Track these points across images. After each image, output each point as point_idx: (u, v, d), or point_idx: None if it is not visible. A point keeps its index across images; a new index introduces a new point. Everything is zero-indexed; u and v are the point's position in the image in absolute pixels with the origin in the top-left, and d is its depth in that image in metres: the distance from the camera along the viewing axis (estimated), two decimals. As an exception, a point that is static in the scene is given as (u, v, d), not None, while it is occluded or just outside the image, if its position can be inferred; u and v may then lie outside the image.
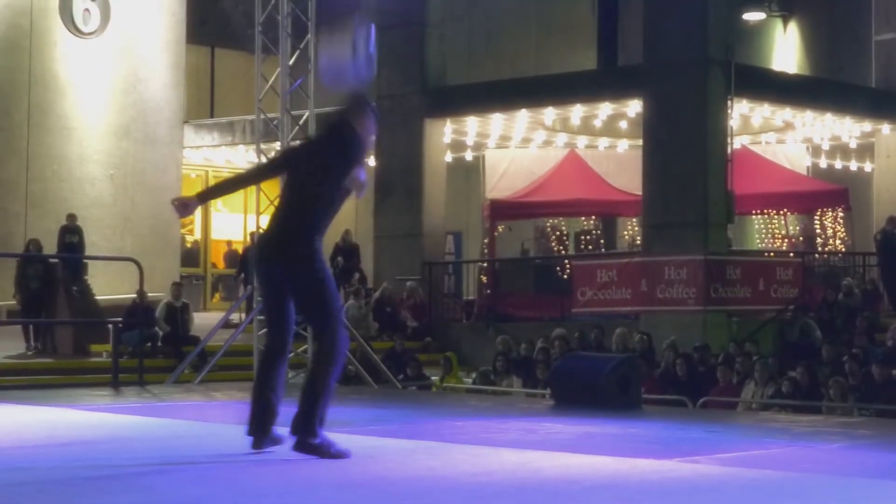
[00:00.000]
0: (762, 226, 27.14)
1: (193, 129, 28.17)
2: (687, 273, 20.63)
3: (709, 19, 21.13)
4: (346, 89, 7.61)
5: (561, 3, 31.59)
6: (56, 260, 21.02)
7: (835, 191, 25.66)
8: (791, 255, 24.80)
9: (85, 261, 21.79)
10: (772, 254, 25.34)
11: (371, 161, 21.54)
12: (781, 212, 26.15)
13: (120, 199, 25.99)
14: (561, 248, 26.80)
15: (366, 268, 24.76)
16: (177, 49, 27.20)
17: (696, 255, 20.58)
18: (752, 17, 31.51)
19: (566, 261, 24.76)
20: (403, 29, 24.70)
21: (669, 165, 21.12)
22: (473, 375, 19.30)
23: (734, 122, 22.27)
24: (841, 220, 25.71)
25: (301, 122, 17.46)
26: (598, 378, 11.50)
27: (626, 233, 27.13)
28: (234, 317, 20.27)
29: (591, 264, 22.80)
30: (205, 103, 30.47)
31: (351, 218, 27.92)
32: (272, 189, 18.20)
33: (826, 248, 25.69)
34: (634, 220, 24.90)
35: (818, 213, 25.94)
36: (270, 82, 17.61)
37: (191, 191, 28.80)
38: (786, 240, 26.57)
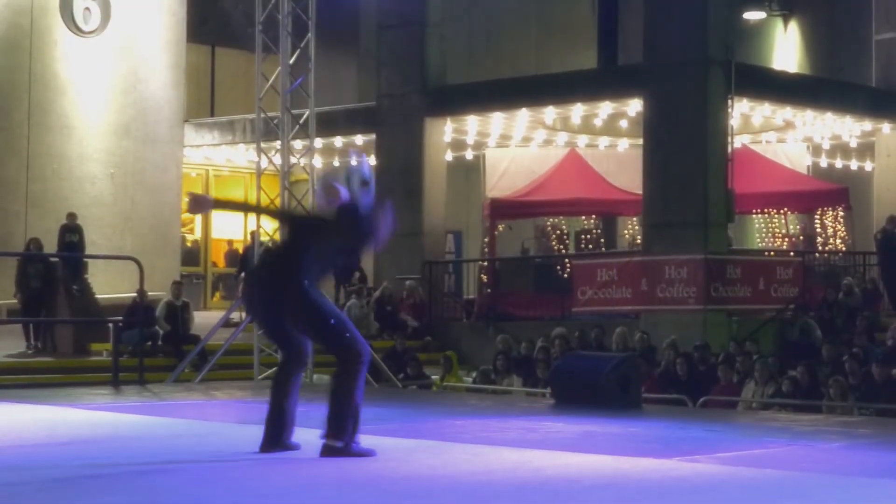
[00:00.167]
0: (762, 225, 27.13)
1: (194, 128, 28.17)
2: (687, 272, 20.63)
3: (709, 18, 21.12)
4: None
5: (561, 2, 31.58)
6: (56, 259, 21.01)
7: (835, 190, 25.65)
8: (791, 254, 24.78)
9: (85, 260, 21.78)
10: (772, 253, 25.32)
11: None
12: (782, 211, 26.13)
13: (120, 199, 25.98)
14: (561, 247, 26.79)
15: (366, 267, 24.76)
16: (177, 48, 27.19)
17: (696, 254, 20.58)
18: (753, 16, 31.50)
19: (566, 260, 24.75)
20: (404, 28, 24.71)
21: (670, 165, 21.12)
22: (474, 374, 19.30)
23: (734, 121, 22.26)
24: (841, 220, 25.69)
25: (301, 120, 17.46)
26: (599, 377, 11.51)
27: (626, 232, 27.12)
28: (235, 316, 20.27)
29: (591, 263, 22.80)
30: (205, 102, 30.47)
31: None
32: (273, 188, 18.23)
33: (826, 248, 25.68)
34: (635, 219, 24.89)
35: (818, 213, 25.93)
36: (271, 81, 17.61)
37: (191, 189, 28.86)
38: (786, 239, 26.56)
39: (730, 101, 21.33)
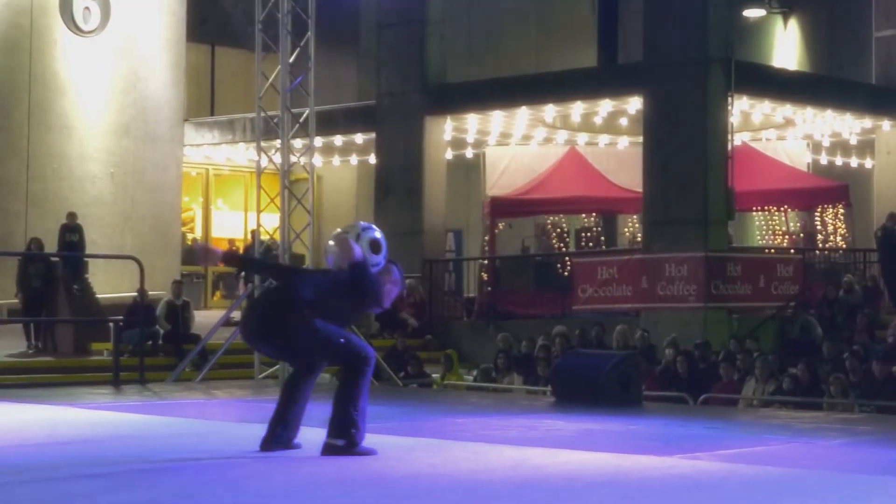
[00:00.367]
0: (763, 222, 27.13)
1: (194, 128, 28.18)
2: (687, 270, 20.62)
3: (709, 16, 21.11)
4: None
5: (561, 1, 31.57)
6: (57, 259, 21.01)
7: (835, 187, 25.64)
8: (791, 251, 24.78)
9: (85, 259, 21.78)
10: (772, 250, 25.33)
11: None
12: (782, 208, 26.14)
13: (120, 198, 25.98)
14: (561, 245, 26.80)
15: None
16: (177, 47, 27.19)
17: (696, 252, 20.58)
18: (753, 14, 31.50)
19: (567, 258, 24.75)
20: (404, 27, 24.70)
21: (670, 162, 21.11)
22: (474, 373, 19.30)
23: (734, 118, 22.25)
24: (841, 217, 25.69)
25: (301, 119, 17.46)
26: (599, 375, 11.52)
27: (626, 230, 27.11)
28: (235, 315, 20.25)
29: (591, 261, 22.80)
30: (205, 101, 30.48)
31: (352, 216, 27.96)
32: (272, 187, 18.22)
33: (826, 245, 25.67)
34: (635, 217, 24.88)
35: (819, 210, 25.93)
36: (271, 80, 17.60)
37: (191, 189, 28.90)
38: (786, 236, 26.56)
39: (730, 99, 21.32)
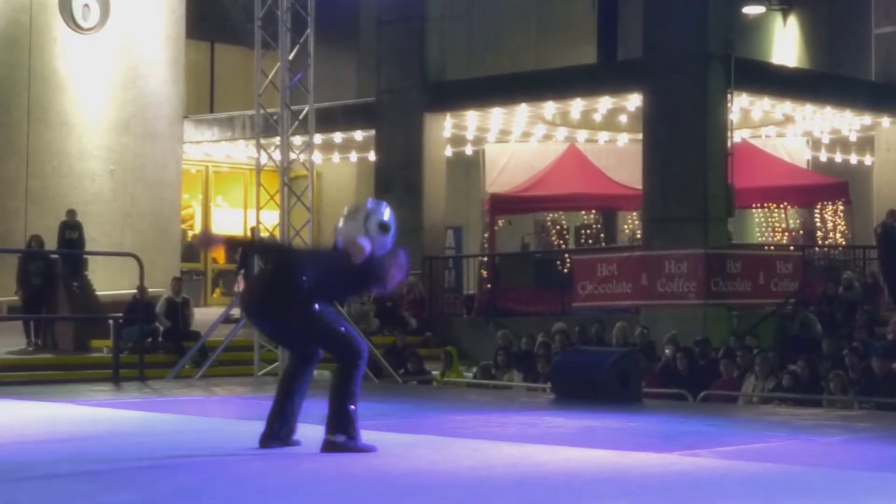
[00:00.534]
0: (762, 219, 27.13)
1: (193, 125, 28.17)
2: (687, 267, 20.63)
3: (708, 13, 21.11)
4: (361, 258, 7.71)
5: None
6: (56, 256, 21.01)
7: (835, 184, 25.65)
8: (791, 248, 24.79)
9: (85, 256, 21.78)
10: (772, 247, 25.33)
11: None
12: (781, 205, 26.14)
13: (120, 195, 25.98)
14: (561, 242, 26.80)
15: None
16: (176, 44, 27.18)
17: (696, 248, 20.58)
18: (752, 10, 31.49)
19: (566, 255, 24.75)
20: (403, 24, 24.70)
21: (669, 160, 21.11)
22: (474, 370, 19.30)
23: (734, 115, 22.26)
24: (841, 214, 25.70)
25: (301, 116, 17.45)
26: (599, 372, 11.51)
27: (626, 227, 27.12)
28: (235, 312, 20.25)
29: (591, 258, 22.80)
30: (204, 99, 30.47)
31: (351, 213, 27.86)
32: (272, 184, 18.21)
33: (826, 242, 25.68)
34: (635, 214, 24.89)
35: (818, 207, 25.93)
36: (270, 77, 17.59)
37: (190, 186, 28.88)
38: (786, 233, 26.57)
39: (729, 96, 21.32)
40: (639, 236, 23.61)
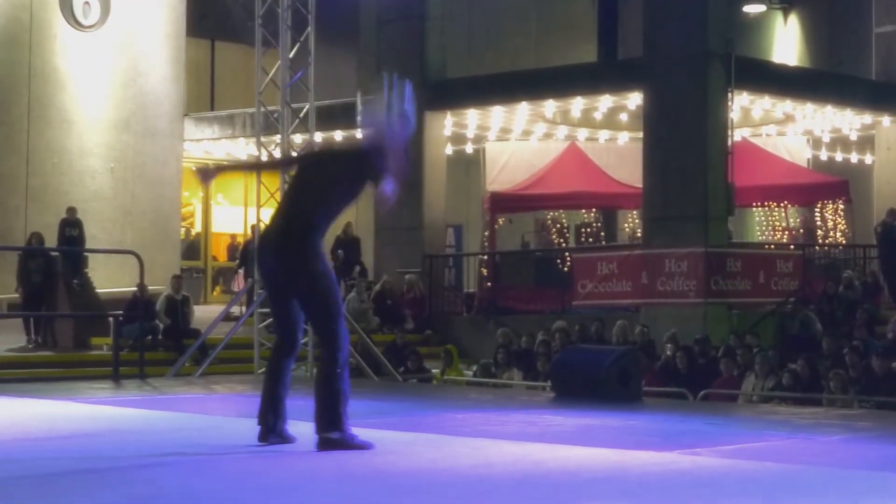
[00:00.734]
0: (762, 218, 27.14)
1: (194, 123, 28.17)
2: (687, 266, 20.63)
3: (709, 12, 21.12)
4: (381, 141, 7.63)
5: (561, -2, 31.60)
6: (56, 253, 21.01)
7: (835, 183, 25.66)
8: (791, 247, 24.80)
9: (85, 254, 21.79)
10: (772, 246, 25.34)
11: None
12: (782, 204, 26.14)
13: (120, 193, 25.98)
14: (561, 240, 26.81)
15: (366, 261, 24.76)
16: (177, 42, 27.18)
17: (696, 247, 20.59)
18: (753, 9, 31.51)
19: (567, 253, 24.76)
20: (403, 22, 24.71)
21: (670, 158, 21.12)
22: (474, 368, 19.31)
23: (734, 114, 22.26)
24: (841, 213, 25.71)
25: (301, 114, 17.45)
26: (599, 371, 11.51)
27: (626, 225, 27.14)
28: (235, 310, 20.28)
29: (591, 257, 22.81)
30: (205, 96, 30.47)
31: (352, 211, 27.88)
32: (272, 182, 18.21)
33: (826, 241, 25.69)
34: (635, 212, 24.91)
35: (818, 206, 25.94)
36: (270, 75, 17.59)
37: (191, 185, 28.88)
38: (786, 232, 26.57)
39: (730, 95, 21.33)
40: (639, 235, 23.62)
